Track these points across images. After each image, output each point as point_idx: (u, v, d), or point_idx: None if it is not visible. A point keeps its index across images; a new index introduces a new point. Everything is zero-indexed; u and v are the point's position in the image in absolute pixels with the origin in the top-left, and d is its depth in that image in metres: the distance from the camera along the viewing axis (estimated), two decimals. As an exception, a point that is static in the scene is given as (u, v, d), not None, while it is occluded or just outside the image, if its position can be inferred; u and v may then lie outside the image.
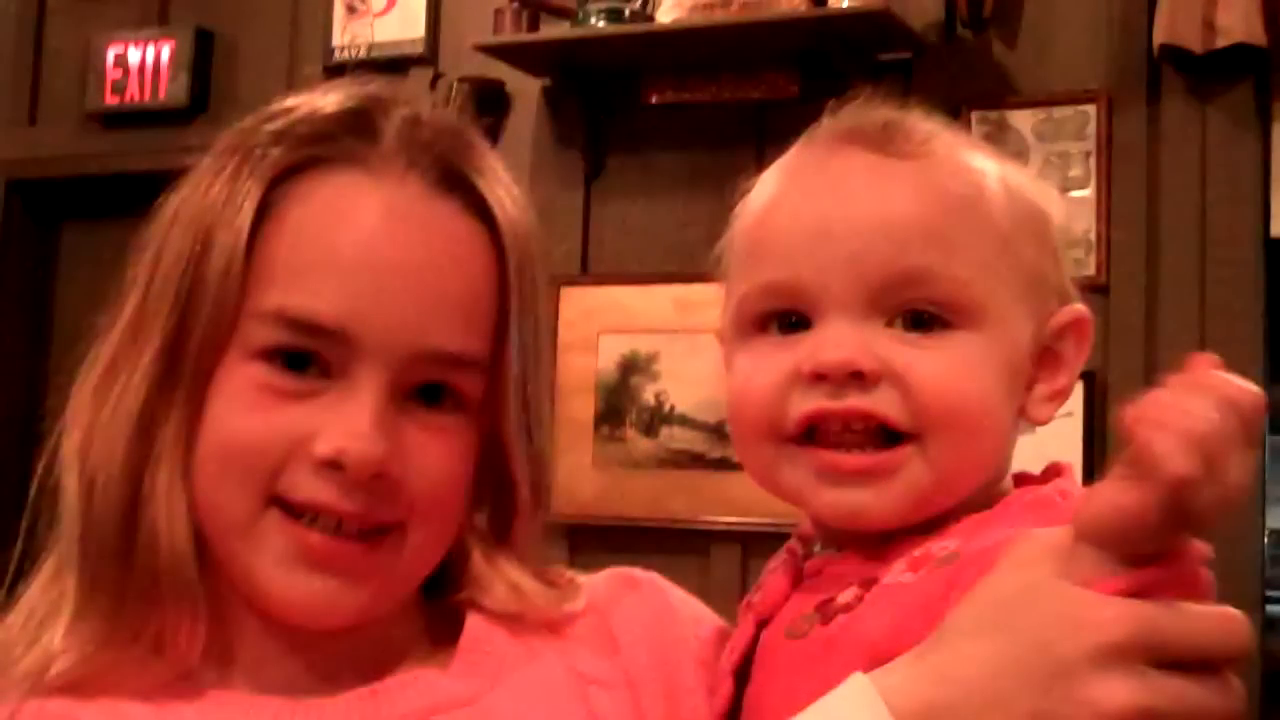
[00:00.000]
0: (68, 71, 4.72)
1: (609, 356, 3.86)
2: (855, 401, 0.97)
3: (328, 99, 1.04)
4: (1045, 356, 1.03)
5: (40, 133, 4.76)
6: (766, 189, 1.06)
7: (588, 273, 3.96)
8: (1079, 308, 1.04)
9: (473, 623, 1.08)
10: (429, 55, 4.17)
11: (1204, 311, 3.30)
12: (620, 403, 3.84)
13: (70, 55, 4.71)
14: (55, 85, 4.77)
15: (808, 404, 0.98)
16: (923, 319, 0.98)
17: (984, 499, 0.99)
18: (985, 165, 1.03)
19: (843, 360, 0.96)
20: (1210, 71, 3.31)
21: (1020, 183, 1.04)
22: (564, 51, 3.85)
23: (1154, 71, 3.41)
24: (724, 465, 3.61)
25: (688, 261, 3.61)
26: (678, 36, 3.67)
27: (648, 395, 3.82)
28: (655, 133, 3.91)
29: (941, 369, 0.97)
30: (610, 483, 3.82)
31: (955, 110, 3.38)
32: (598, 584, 1.15)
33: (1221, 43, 3.21)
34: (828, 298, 0.98)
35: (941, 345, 0.97)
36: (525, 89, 4.02)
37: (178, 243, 1.00)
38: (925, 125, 1.04)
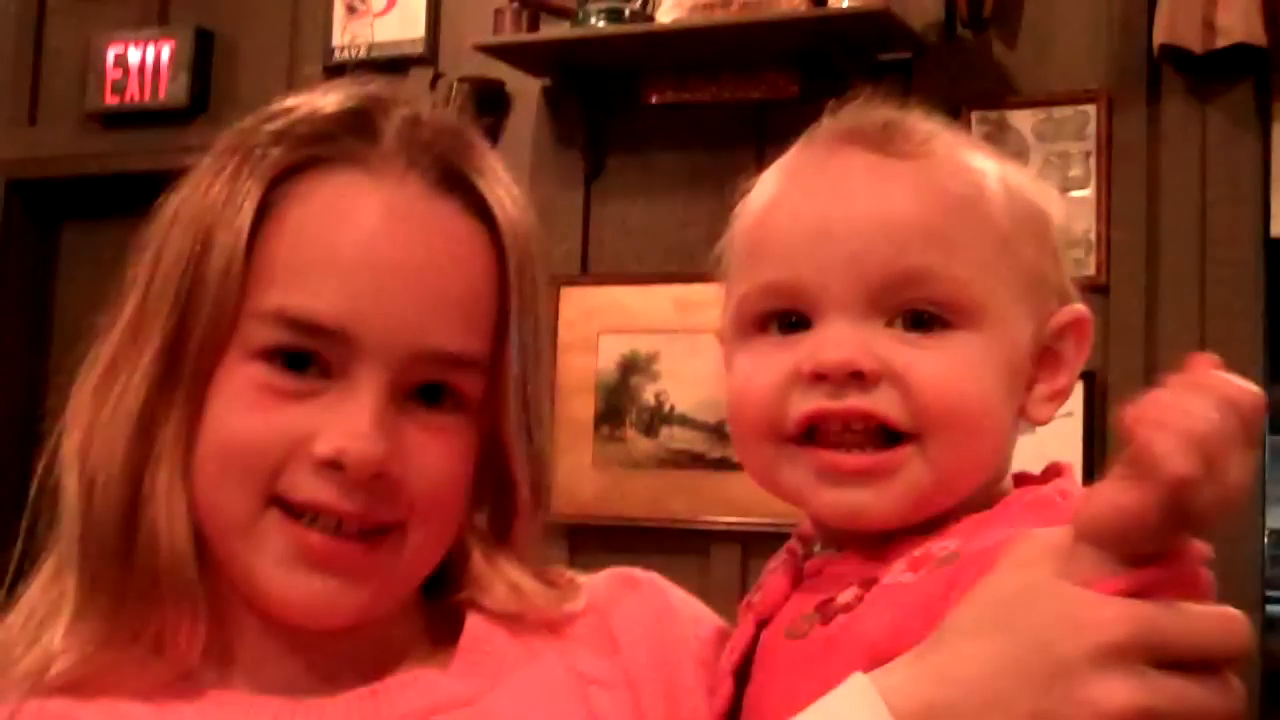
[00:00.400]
0: (68, 71, 4.72)
1: (609, 356, 3.86)
2: (855, 401, 0.97)
3: (327, 99, 1.04)
4: (1045, 356, 1.02)
5: (40, 132, 4.76)
6: (766, 189, 1.06)
7: (588, 273, 3.96)
8: (1079, 308, 1.04)
9: (473, 623, 1.08)
10: (429, 55, 4.17)
11: (1204, 311, 3.30)
12: (620, 403, 3.84)
13: (70, 55, 4.71)
14: (55, 85, 4.76)
15: (808, 404, 0.98)
16: (923, 319, 0.98)
17: (984, 499, 0.99)
18: (985, 165, 1.03)
19: (842, 360, 0.96)
20: (1210, 71, 3.31)
21: (1020, 183, 1.04)
22: (564, 51, 3.84)
23: (1154, 71, 3.41)
24: (724, 465, 3.61)
25: (688, 261, 3.61)
26: (678, 36, 3.66)
27: (648, 395, 3.82)
28: (655, 133, 3.91)
29: (941, 369, 0.96)
30: (610, 483, 3.82)
31: (955, 110, 3.38)
32: (598, 584, 1.14)
33: (1221, 43, 3.21)
34: (827, 298, 0.98)
35: (941, 345, 0.97)
36: (525, 89, 4.02)
37: (178, 243, 1.00)
38: (925, 125, 1.04)
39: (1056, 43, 3.53)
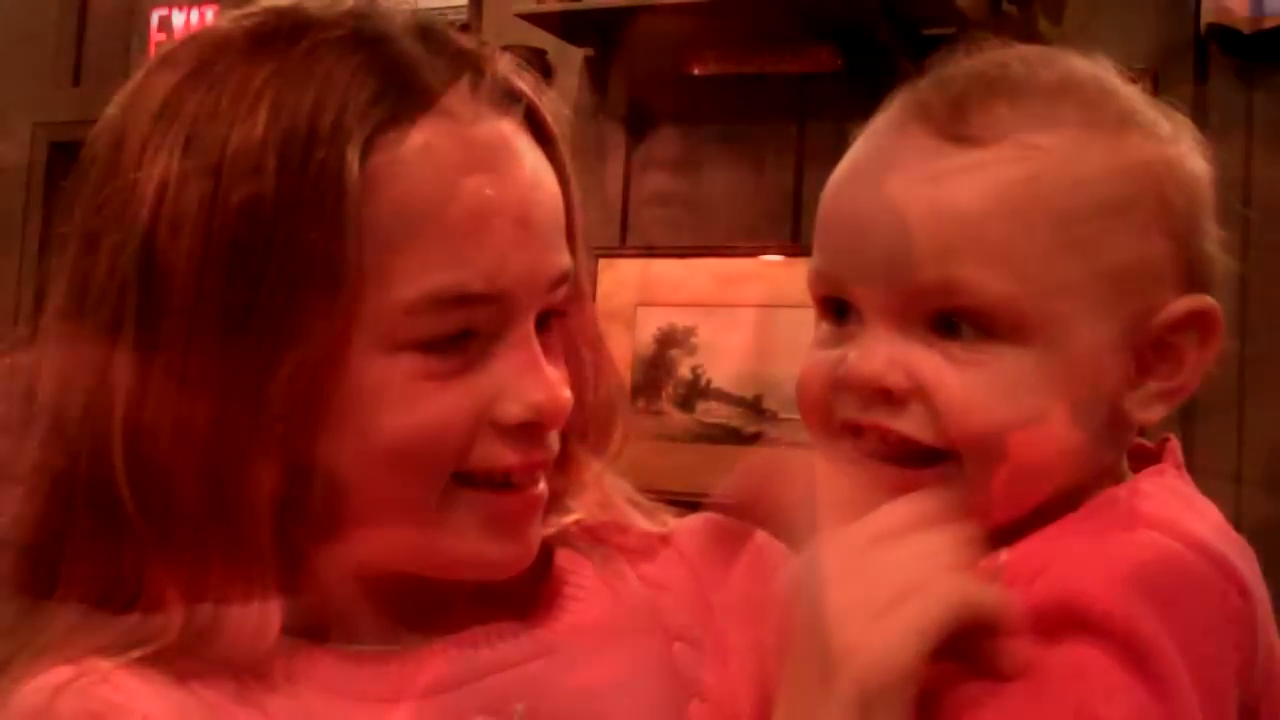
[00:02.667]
0: (112, 33, 4.73)
1: (646, 329, 3.86)
2: (880, 419, 0.91)
3: (340, 68, 0.93)
4: (1161, 351, 0.93)
5: (83, 94, 4.76)
6: (845, 158, 0.98)
7: (626, 245, 3.95)
8: (1199, 298, 0.95)
9: (561, 561, 1.07)
10: (472, 22, 4.16)
11: (1246, 295, 3.26)
12: (657, 376, 3.83)
13: (115, 17, 4.72)
14: (99, 47, 4.77)
15: (845, 411, 0.93)
16: (963, 330, 0.90)
17: (1072, 502, 0.92)
18: (1072, 145, 0.91)
19: (868, 376, 0.90)
20: (1258, 52, 3.27)
21: (1133, 159, 0.93)
22: (607, 21, 3.83)
23: (1201, 51, 3.38)
24: (760, 440, 3.60)
25: (727, 235, 3.60)
26: (721, 8, 3.65)
27: (684, 369, 3.81)
28: (697, 105, 3.89)
29: (973, 390, 0.89)
30: (645, 456, 3.81)
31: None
32: (691, 531, 1.17)
33: (1269, 24, 3.18)
34: (865, 299, 0.92)
35: (981, 361, 0.89)
36: (568, 58, 4.01)
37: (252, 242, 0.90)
38: (1004, 110, 0.92)
39: (1103, 19, 3.50)
